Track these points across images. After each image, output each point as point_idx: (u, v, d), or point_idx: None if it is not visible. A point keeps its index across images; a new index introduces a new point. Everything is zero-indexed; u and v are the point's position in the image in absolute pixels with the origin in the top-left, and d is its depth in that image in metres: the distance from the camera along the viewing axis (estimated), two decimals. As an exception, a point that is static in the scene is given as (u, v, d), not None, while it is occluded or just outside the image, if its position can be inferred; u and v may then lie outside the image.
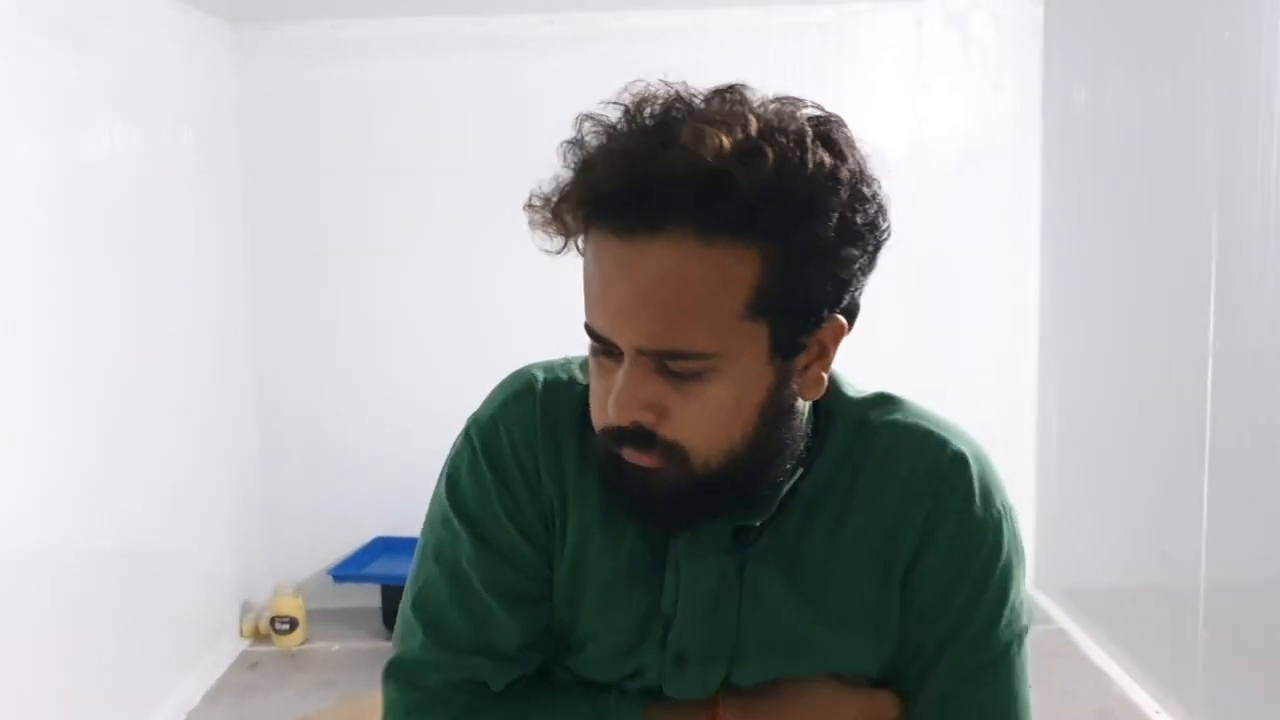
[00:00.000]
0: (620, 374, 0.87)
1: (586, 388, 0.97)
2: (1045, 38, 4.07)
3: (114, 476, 3.12)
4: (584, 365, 1.00)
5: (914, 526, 0.97)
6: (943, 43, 4.12)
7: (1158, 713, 3.22)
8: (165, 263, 3.49)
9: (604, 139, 0.88)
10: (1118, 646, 3.56)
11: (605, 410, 0.89)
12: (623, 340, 0.87)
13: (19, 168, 2.74)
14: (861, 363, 4.44)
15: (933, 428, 1.03)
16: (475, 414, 1.04)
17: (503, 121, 4.13)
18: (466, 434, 1.02)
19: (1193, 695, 3.04)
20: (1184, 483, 3.02)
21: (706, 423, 0.88)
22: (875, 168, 0.91)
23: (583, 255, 0.89)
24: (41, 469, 2.79)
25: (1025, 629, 1.00)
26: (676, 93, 0.87)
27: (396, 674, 1.01)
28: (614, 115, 0.89)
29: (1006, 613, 0.98)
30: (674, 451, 0.88)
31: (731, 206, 0.82)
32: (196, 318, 3.72)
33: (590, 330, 0.89)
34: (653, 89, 0.89)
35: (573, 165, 0.89)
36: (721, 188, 0.81)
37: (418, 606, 1.01)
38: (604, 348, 0.89)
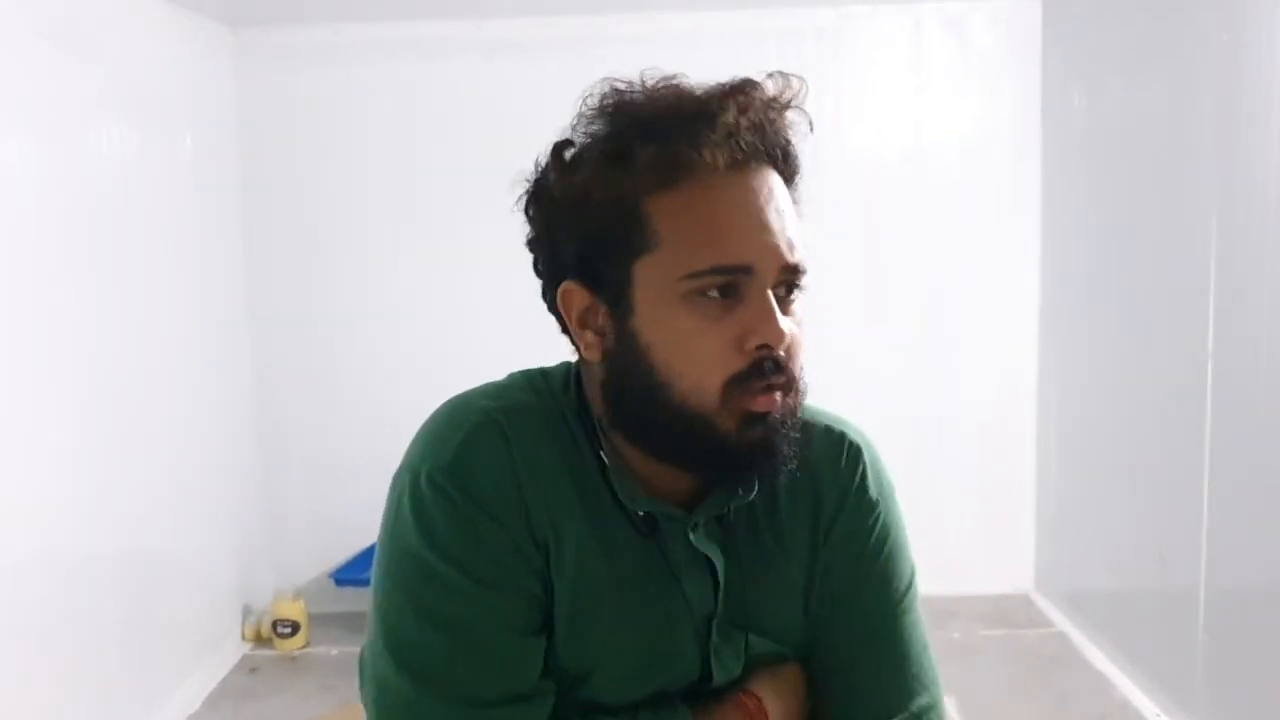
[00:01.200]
0: (759, 302, 0.89)
1: (547, 405, 0.99)
2: (1044, 40, 4.07)
3: (115, 481, 3.12)
4: (520, 386, 1.02)
5: (827, 512, 1.05)
6: (941, 45, 4.12)
7: (1158, 716, 3.21)
8: (165, 266, 3.49)
9: (646, 98, 0.91)
10: (1118, 650, 3.55)
11: (746, 351, 0.89)
12: (771, 260, 0.90)
13: (19, 170, 2.75)
14: (862, 366, 4.47)
15: (830, 422, 1.09)
16: (426, 459, 0.95)
17: (501, 125, 4.13)
18: (431, 481, 0.94)
19: (1193, 699, 3.04)
20: (1184, 486, 3.02)
21: (803, 355, 0.93)
22: None
23: (648, 212, 0.90)
24: (43, 474, 2.79)
25: (913, 574, 1.09)
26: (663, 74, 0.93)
27: None
28: (625, 89, 0.93)
29: (901, 571, 1.07)
30: (792, 388, 0.92)
31: (784, 145, 0.94)
32: (196, 321, 3.72)
33: (715, 269, 0.88)
34: (633, 77, 0.93)
35: (636, 123, 0.90)
36: (780, 129, 0.93)
37: (411, 674, 0.93)
38: (726, 286, 0.89)
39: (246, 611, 4.04)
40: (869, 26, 4.11)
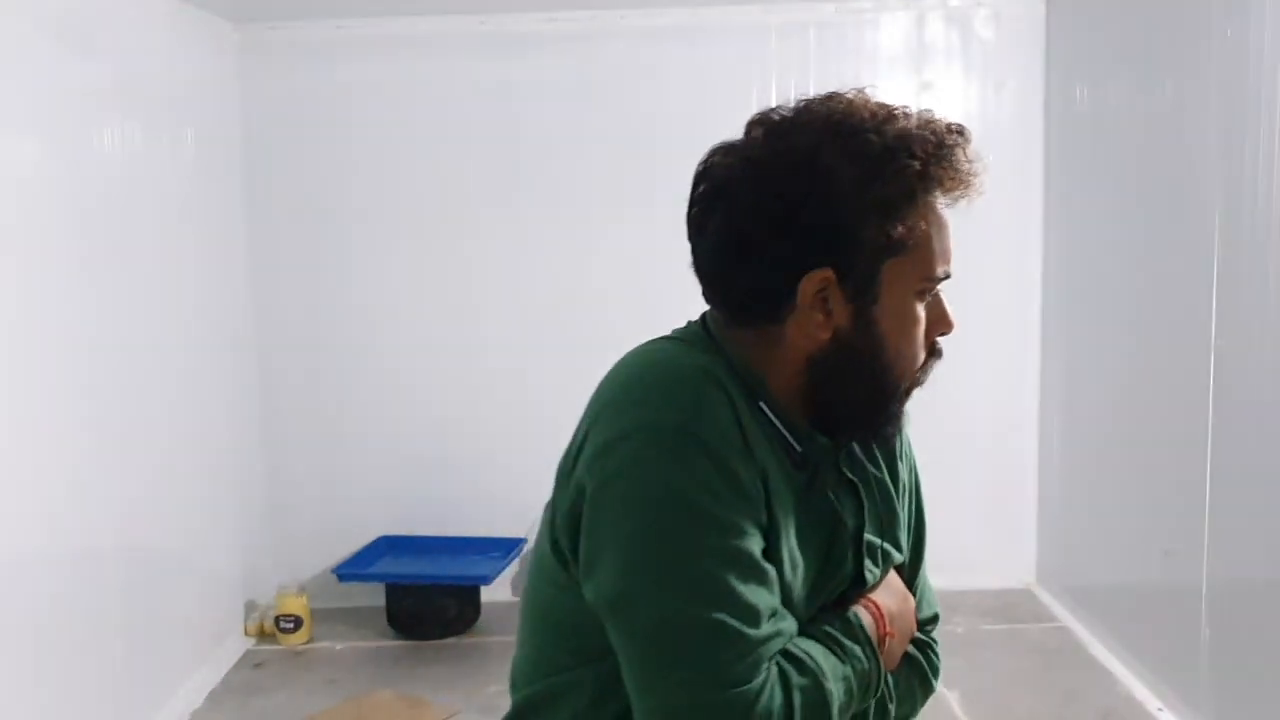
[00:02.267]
0: (942, 301, 1.13)
1: (715, 363, 1.09)
2: (1048, 36, 4.06)
3: (118, 476, 3.12)
4: (690, 347, 1.13)
5: (901, 452, 1.25)
6: (944, 42, 4.12)
7: (1161, 710, 3.22)
8: (168, 262, 3.49)
9: (911, 121, 1.08)
10: (1121, 645, 3.56)
11: (929, 340, 1.13)
12: (951, 272, 1.12)
13: (23, 167, 2.75)
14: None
15: None
16: (667, 415, 1.02)
17: (506, 118, 4.14)
18: (682, 433, 1.01)
19: (1196, 693, 3.05)
20: (1187, 481, 3.02)
21: None
22: None
23: (906, 221, 1.05)
24: (46, 469, 2.80)
25: None
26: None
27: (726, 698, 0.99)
28: (883, 113, 1.08)
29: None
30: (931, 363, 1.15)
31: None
32: (200, 317, 3.73)
33: (941, 276, 1.10)
34: (862, 94, 1.11)
35: (927, 149, 1.05)
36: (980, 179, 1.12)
37: (703, 602, 0.99)
38: (932, 290, 1.11)
39: (250, 607, 4.05)
40: (873, 22, 4.11)
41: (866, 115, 1.07)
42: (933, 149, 1.05)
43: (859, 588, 1.16)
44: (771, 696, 0.99)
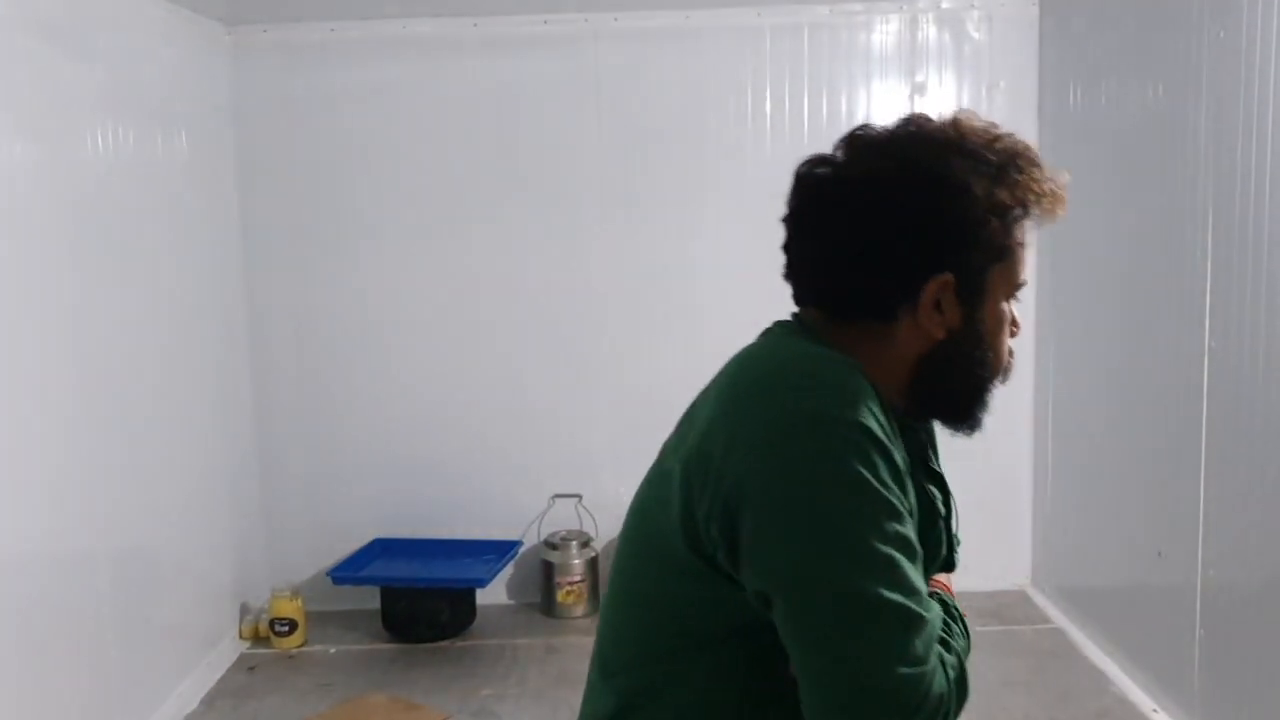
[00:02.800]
0: (1016, 307, 1.23)
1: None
2: (1040, 37, 4.08)
3: (112, 480, 3.12)
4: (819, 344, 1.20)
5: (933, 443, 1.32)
6: (937, 43, 4.13)
7: (1155, 711, 3.22)
8: (161, 265, 3.49)
9: (1021, 145, 1.19)
10: (1115, 646, 3.56)
11: (1012, 338, 1.23)
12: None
13: (15, 170, 2.74)
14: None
15: None
16: (847, 409, 1.07)
17: (499, 121, 4.14)
18: (859, 426, 1.06)
19: (1190, 694, 3.05)
20: (1180, 482, 3.03)
21: None
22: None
23: (1015, 233, 1.18)
24: (40, 473, 2.79)
25: None
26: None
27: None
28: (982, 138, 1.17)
29: None
30: None
31: None
32: (194, 319, 3.72)
33: (1023, 283, 1.22)
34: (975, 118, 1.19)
35: (1038, 180, 1.18)
36: None
37: (887, 582, 1.03)
38: (1018, 295, 1.22)
39: (244, 610, 4.04)
40: (865, 23, 4.11)
41: (980, 133, 1.17)
42: (1034, 168, 1.17)
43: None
44: (942, 676, 1.05)
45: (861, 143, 1.18)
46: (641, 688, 1.18)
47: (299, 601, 3.98)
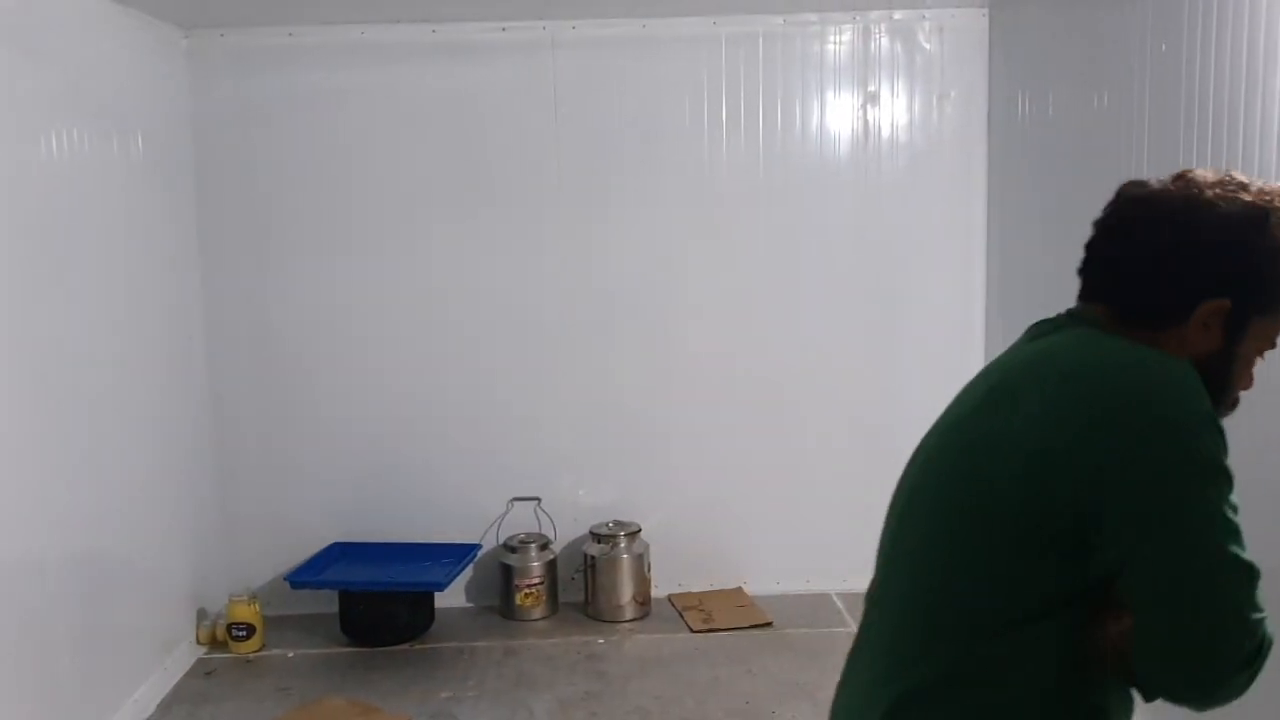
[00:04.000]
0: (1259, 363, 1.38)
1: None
2: (990, 48, 4.16)
3: (67, 484, 3.10)
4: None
5: None
6: (890, 53, 4.20)
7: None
8: (117, 269, 3.48)
9: None
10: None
11: (1243, 389, 1.39)
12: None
13: (-29, 174, 2.73)
14: (816, 362, 4.49)
15: None
16: (1199, 405, 1.27)
17: (456, 126, 4.15)
18: (1210, 420, 1.27)
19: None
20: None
21: None
22: None
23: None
24: (-6, 477, 2.78)
25: None
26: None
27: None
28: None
29: None
30: None
31: None
32: (150, 324, 3.71)
33: (1276, 344, 1.37)
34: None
35: None
36: None
37: (1241, 549, 1.24)
38: (1266, 352, 1.38)
39: (201, 615, 4.03)
40: (819, 34, 4.17)
41: (1271, 200, 1.32)
42: None
43: None
44: (1272, 627, 1.25)
45: (1191, 176, 1.35)
46: (987, 660, 1.29)
47: (256, 606, 3.97)
